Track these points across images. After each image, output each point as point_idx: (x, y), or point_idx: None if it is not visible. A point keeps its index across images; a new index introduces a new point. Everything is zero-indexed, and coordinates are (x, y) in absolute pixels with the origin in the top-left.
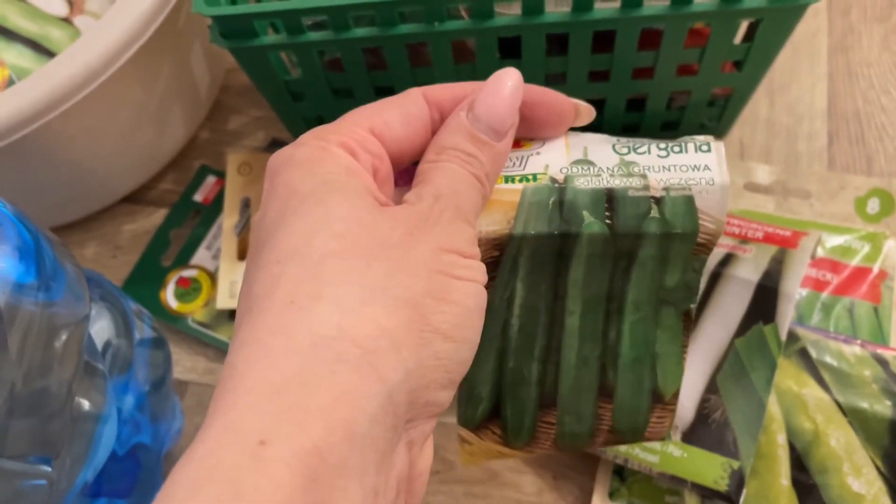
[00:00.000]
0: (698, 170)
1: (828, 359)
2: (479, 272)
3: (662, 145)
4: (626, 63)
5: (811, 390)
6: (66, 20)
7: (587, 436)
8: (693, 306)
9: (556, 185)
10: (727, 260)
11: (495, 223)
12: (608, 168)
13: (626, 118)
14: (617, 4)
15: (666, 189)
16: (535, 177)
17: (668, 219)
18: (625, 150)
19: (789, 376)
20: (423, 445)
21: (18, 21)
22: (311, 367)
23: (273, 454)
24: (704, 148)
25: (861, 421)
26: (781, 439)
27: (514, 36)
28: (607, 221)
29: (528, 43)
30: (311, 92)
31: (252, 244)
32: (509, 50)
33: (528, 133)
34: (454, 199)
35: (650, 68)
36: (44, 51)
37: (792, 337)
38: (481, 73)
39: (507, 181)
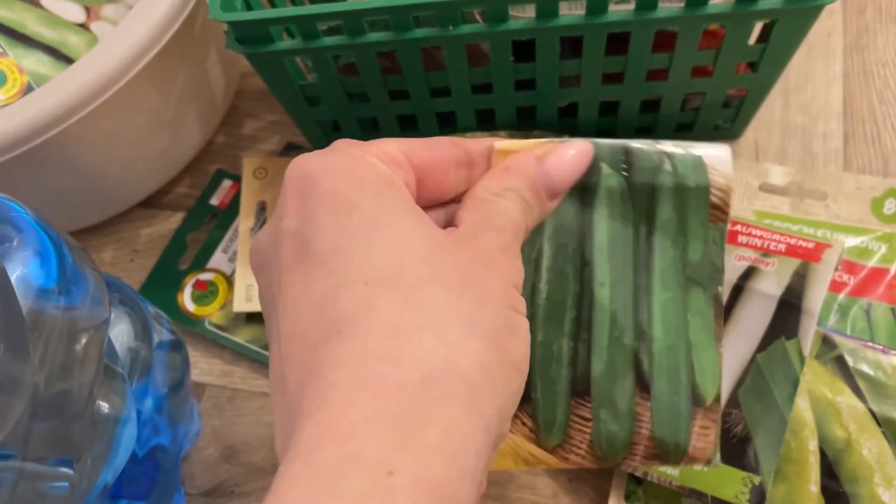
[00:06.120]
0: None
1: (865, 368)
2: (525, 308)
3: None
4: (641, 65)
5: (846, 398)
6: (84, 26)
7: (626, 441)
8: (721, 289)
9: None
10: (749, 273)
11: None
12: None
13: (640, 120)
14: (631, 7)
15: (676, 146)
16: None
17: (679, 171)
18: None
19: (824, 383)
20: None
21: (37, 28)
22: (422, 399)
23: (400, 485)
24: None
25: (895, 432)
26: (813, 445)
27: (528, 39)
28: (624, 174)
29: (542, 46)
30: (326, 96)
31: (295, 250)
32: (523, 53)
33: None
34: (515, 239)
35: (664, 70)
36: (62, 57)
37: (829, 344)
38: (496, 77)
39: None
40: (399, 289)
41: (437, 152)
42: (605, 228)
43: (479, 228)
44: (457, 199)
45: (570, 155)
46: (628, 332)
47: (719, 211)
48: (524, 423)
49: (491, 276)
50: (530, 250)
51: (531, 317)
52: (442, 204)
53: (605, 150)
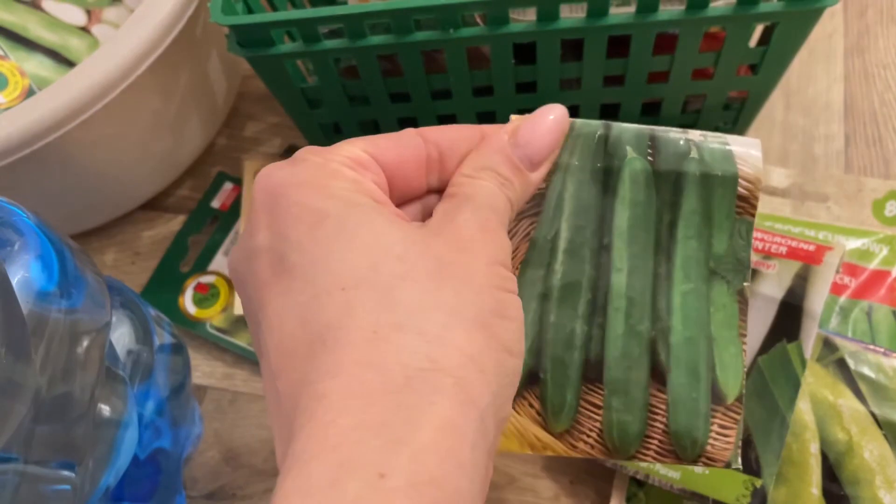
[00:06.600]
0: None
1: (866, 370)
2: (516, 284)
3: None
4: (642, 67)
5: (847, 401)
6: (85, 29)
7: (638, 433)
8: (747, 284)
9: (604, 122)
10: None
11: None
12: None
13: (641, 122)
14: (632, 9)
15: (703, 136)
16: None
17: (706, 160)
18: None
19: (825, 386)
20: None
21: (38, 31)
22: (409, 401)
23: (394, 486)
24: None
25: None
26: (814, 448)
27: (529, 42)
28: (649, 159)
29: (543, 49)
30: (327, 99)
31: (271, 265)
32: (524, 56)
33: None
34: (495, 215)
35: (665, 72)
36: (63, 60)
37: (830, 347)
38: (497, 80)
39: None
40: (375, 291)
41: (405, 148)
42: (626, 213)
43: (454, 212)
44: (435, 191)
45: (539, 123)
46: (645, 321)
47: (746, 203)
48: (531, 405)
49: (470, 260)
50: (548, 230)
51: (545, 297)
52: (419, 197)
53: (630, 134)
